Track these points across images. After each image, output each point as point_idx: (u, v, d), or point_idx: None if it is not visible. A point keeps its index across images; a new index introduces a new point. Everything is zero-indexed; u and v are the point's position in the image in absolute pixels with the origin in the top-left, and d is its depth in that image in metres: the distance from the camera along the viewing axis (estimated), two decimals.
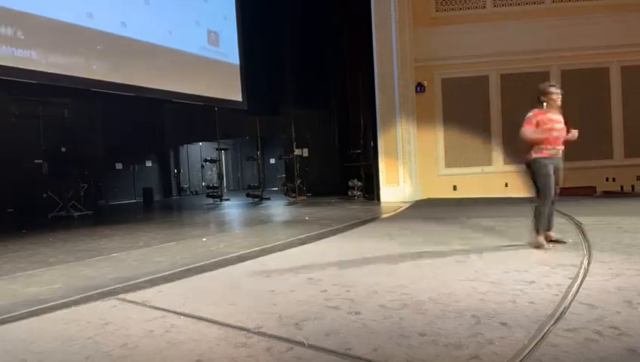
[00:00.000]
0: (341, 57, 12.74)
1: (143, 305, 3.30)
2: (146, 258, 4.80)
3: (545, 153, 4.49)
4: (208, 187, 13.80)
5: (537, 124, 4.48)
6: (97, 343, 2.63)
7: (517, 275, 3.58)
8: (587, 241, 4.72)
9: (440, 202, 9.72)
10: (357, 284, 3.52)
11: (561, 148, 4.58)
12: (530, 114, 4.58)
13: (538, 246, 4.44)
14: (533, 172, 4.53)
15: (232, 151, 19.64)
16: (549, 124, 4.46)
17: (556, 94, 4.59)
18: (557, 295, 3.03)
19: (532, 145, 4.52)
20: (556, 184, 4.55)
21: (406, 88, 10.29)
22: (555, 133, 4.51)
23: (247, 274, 4.11)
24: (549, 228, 4.67)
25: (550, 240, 4.62)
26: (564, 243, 4.60)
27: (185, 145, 17.39)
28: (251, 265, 4.51)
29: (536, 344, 2.28)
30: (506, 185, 10.66)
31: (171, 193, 16.03)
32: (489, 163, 10.84)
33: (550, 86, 4.64)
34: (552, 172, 4.47)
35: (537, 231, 4.53)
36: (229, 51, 11.66)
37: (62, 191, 9.97)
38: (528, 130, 4.50)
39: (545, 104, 4.56)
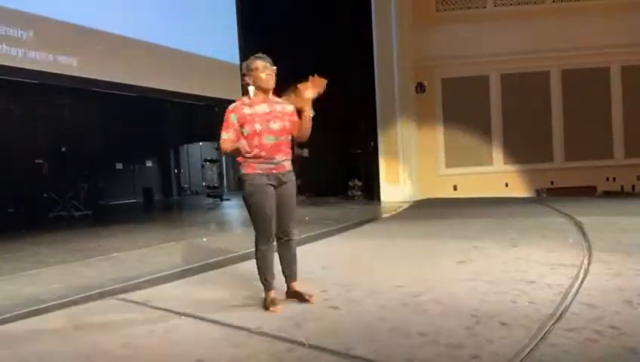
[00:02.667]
0: (341, 57, 12.73)
1: (143, 305, 3.30)
2: (146, 258, 4.80)
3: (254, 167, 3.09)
4: (208, 187, 13.77)
5: (242, 124, 3.10)
6: (97, 343, 2.63)
7: (517, 275, 3.58)
8: (587, 241, 4.72)
9: (440, 202, 9.71)
10: (357, 284, 3.52)
11: (285, 158, 3.17)
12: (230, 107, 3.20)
13: (266, 307, 3.04)
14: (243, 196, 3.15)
15: None
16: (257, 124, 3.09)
17: (267, 70, 3.23)
18: (557, 295, 3.03)
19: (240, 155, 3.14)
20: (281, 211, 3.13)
21: (406, 88, 10.28)
22: (269, 140, 3.09)
23: (248, 274, 4.10)
24: (289, 276, 3.24)
25: (293, 293, 3.21)
26: (308, 301, 3.12)
27: (185, 145, 17.38)
28: (251, 265, 4.49)
29: (536, 344, 2.28)
30: (507, 184, 10.67)
31: (171, 193, 16.02)
32: (489, 163, 10.84)
33: (256, 58, 3.26)
34: (266, 197, 3.06)
35: (263, 284, 3.15)
36: (229, 51, 11.65)
37: (62, 191, 9.96)
38: (226, 140, 3.08)
39: (252, 89, 3.23)
